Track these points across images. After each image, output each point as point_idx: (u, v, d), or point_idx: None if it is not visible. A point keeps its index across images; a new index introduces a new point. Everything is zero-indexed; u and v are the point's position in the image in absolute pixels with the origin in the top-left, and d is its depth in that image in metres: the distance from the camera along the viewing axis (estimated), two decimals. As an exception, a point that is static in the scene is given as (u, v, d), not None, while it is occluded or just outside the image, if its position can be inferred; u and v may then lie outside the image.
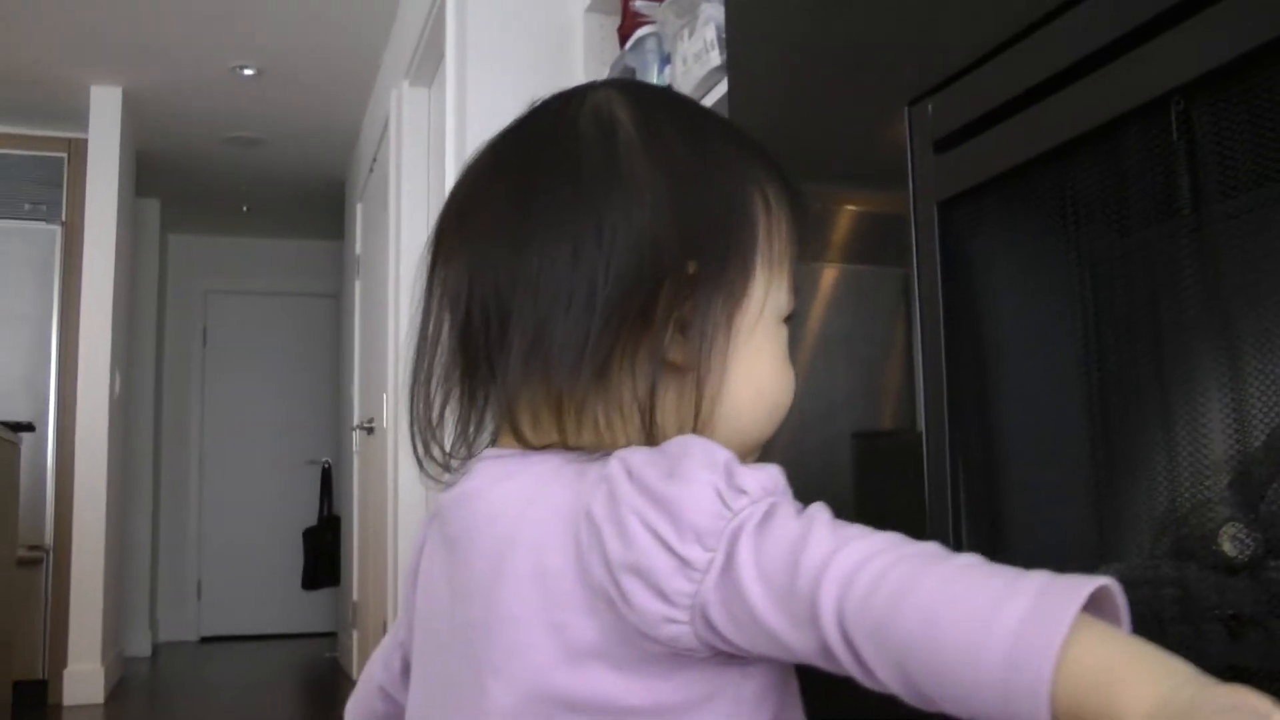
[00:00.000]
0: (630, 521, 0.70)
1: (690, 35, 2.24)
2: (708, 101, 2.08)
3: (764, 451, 0.86)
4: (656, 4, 2.51)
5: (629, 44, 2.55)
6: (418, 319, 0.86)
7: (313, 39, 5.16)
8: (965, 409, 1.10)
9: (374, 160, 5.65)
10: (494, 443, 0.85)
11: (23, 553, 5.09)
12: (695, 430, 0.78)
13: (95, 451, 5.65)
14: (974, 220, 1.10)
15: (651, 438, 0.77)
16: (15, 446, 4.77)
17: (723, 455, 0.72)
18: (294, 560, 7.78)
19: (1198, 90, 0.86)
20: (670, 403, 0.79)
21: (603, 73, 2.83)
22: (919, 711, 0.63)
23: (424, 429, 0.85)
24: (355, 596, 6.08)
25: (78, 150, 5.96)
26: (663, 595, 0.69)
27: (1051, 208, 1.05)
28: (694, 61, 2.20)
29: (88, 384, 5.68)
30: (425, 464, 0.86)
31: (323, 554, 7.53)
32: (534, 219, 0.80)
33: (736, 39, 1.64)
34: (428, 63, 4.29)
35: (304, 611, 8.17)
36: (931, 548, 0.65)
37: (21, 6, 4.79)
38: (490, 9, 3.16)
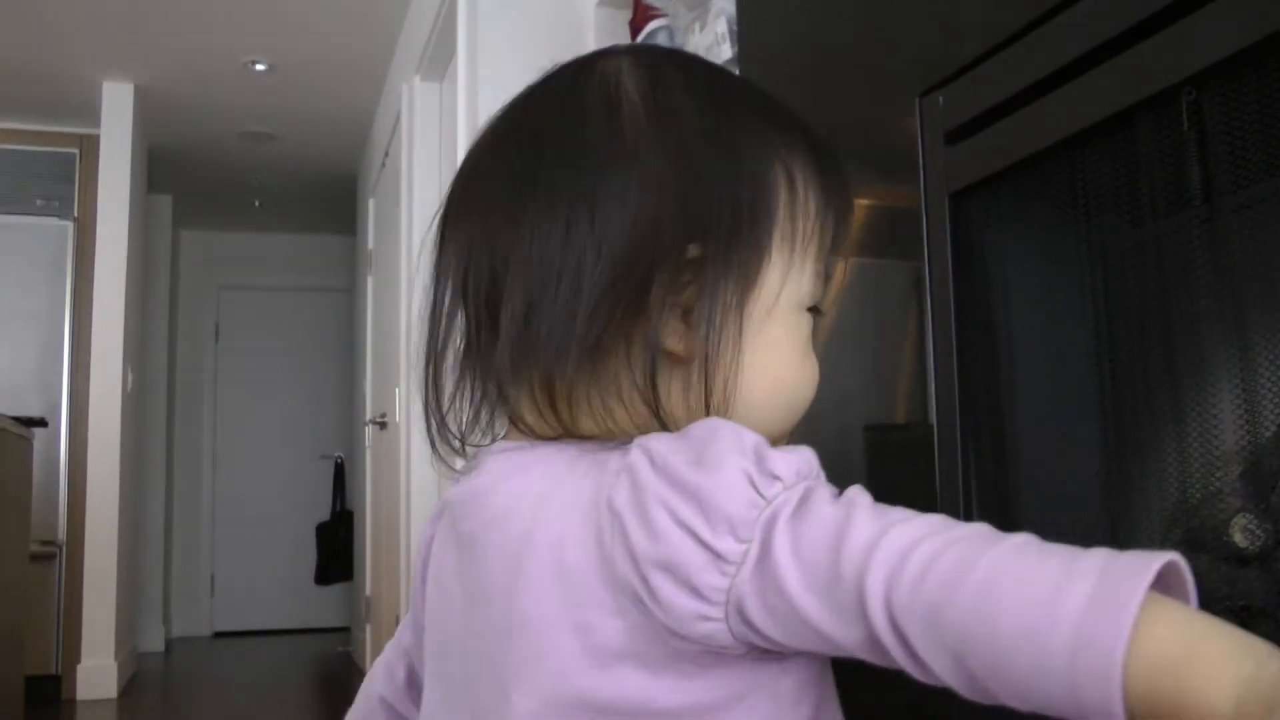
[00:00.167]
0: (656, 513, 0.65)
1: (701, 28, 2.24)
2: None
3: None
4: (667, -2, 2.52)
5: (640, 37, 2.56)
6: (429, 294, 0.82)
7: (325, 34, 5.17)
8: (976, 401, 1.10)
9: (386, 155, 5.66)
10: (506, 433, 0.81)
11: (36, 548, 5.11)
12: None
13: (108, 446, 5.66)
14: (985, 212, 1.10)
15: (665, 428, 0.73)
16: (28, 442, 4.78)
17: (751, 439, 0.68)
18: (307, 555, 7.80)
19: (1209, 80, 0.85)
20: (677, 393, 0.75)
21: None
22: (960, 702, 0.60)
23: (434, 411, 0.81)
24: (368, 591, 6.09)
25: (90, 146, 5.98)
26: (695, 591, 0.64)
27: (1063, 199, 1.05)
28: (705, 55, 2.20)
29: (100, 379, 5.69)
30: (438, 446, 0.81)
31: (335, 549, 7.55)
32: (530, 195, 0.75)
33: (748, 32, 1.63)
34: (439, 57, 4.29)
35: (317, 606, 8.19)
36: (982, 528, 0.61)
37: (33, 2, 4.80)
38: (502, 3, 3.16)
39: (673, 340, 0.74)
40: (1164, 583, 0.55)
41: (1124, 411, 1.03)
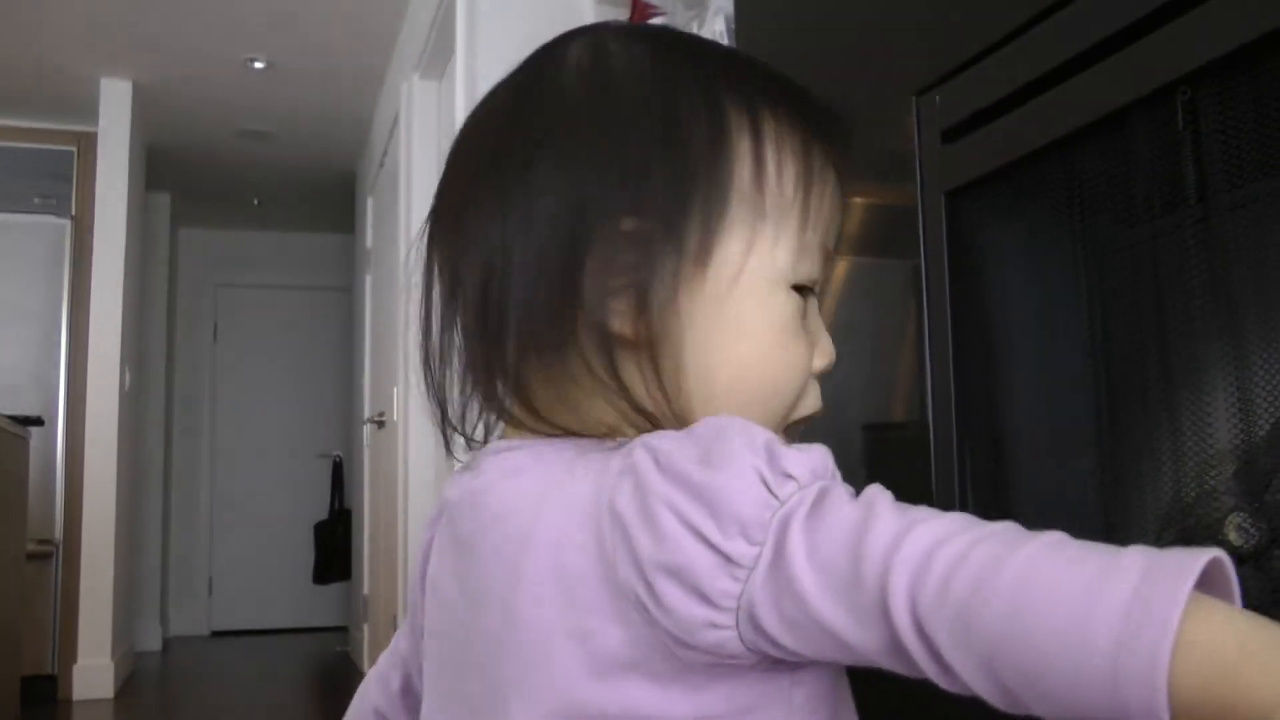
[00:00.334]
0: (662, 514, 0.61)
1: (700, 26, 2.24)
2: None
3: None
4: (665, -4, 2.52)
5: (638, 37, 2.55)
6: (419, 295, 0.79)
7: (324, 32, 5.17)
8: (973, 399, 1.10)
9: (384, 154, 5.66)
10: (504, 431, 0.77)
11: (32, 547, 5.11)
12: (670, 414, 0.69)
13: (105, 446, 5.65)
14: (982, 210, 1.10)
15: (652, 422, 0.69)
16: (24, 441, 4.78)
17: (762, 436, 0.63)
18: (305, 554, 7.79)
19: (1204, 80, 0.85)
20: (635, 381, 0.69)
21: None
22: (988, 713, 0.57)
23: (438, 399, 0.77)
24: (366, 590, 6.09)
25: (88, 144, 5.97)
26: (703, 597, 0.60)
27: (1058, 198, 1.05)
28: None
29: (97, 378, 5.68)
30: (448, 434, 0.78)
31: (333, 548, 7.54)
32: (483, 181, 0.73)
33: (746, 30, 1.64)
34: (438, 56, 4.29)
35: (314, 606, 8.19)
36: (1011, 526, 0.56)
37: None
38: (500, 1, 3.16)
39: (620, 323, 0.69)
40: (1206, 581, 0.51)
41: (1119, 410, 1.03)
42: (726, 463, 0.61)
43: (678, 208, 0.69)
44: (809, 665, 0.65)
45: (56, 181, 6.05)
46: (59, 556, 5.61)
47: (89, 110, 5.80)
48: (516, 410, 0.74)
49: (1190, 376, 0.94)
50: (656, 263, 0.69)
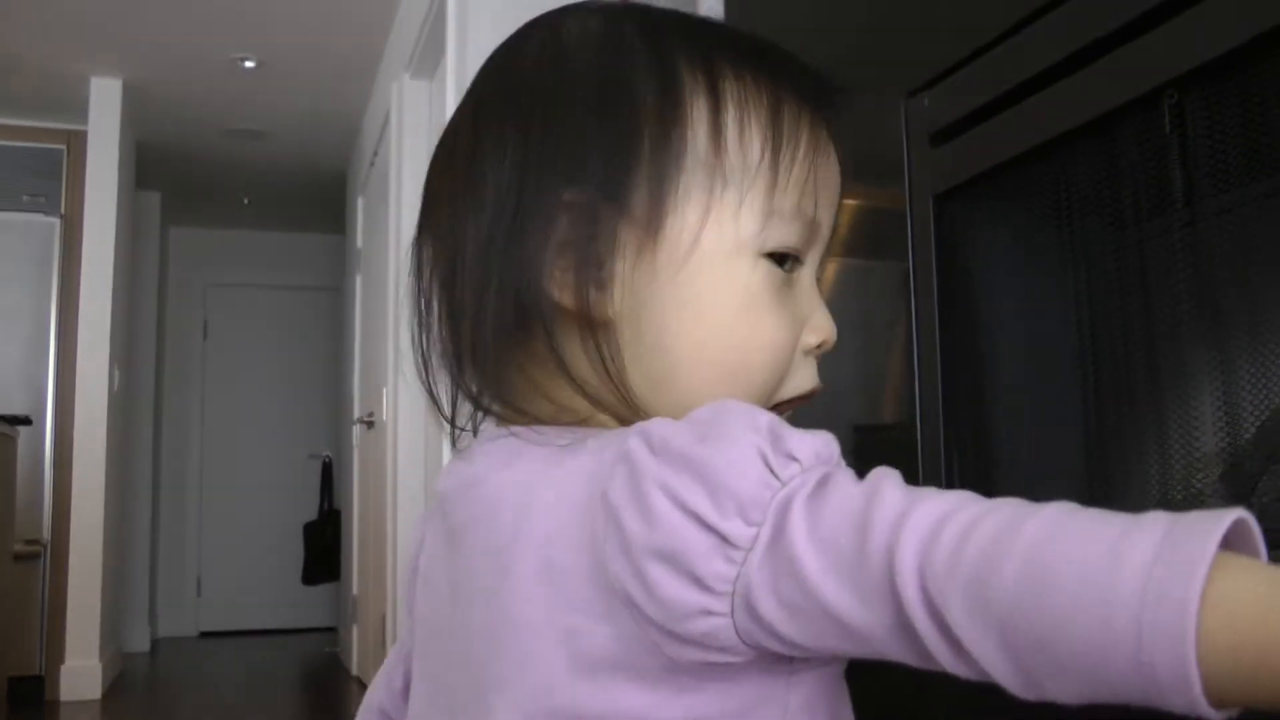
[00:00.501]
0: (654, 496, 0.57)
1: (689, 29, 2.25)
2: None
3: None
4: (656, -2, 2.52)
5: (628, 38, 2.55)
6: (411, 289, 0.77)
7: (314, 31, 5.16)
8: (960, 401, 1.10)
9: (375, 153, 5.65)
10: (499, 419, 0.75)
11: (20, 547, 5.10)
12: (619, 398, 0.67)
13: (94, 445, 5.64)
14: (970, 213, 1.11)
15: (630, 405, 0.67)
16: (12, 440, 4.77)
17: (765, 417, 0.60)
18: (294, 555, 7.78)
19: (1191, 84, 0.86)
20: (579, 359, 0.67)
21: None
22: (985, 712, 0.57)
23: (433, 394, 0.75)
24: (355, 591, 6.08)
25: (77, 142, 5.95)
26: (697, 581, 0.56)
27: (1046, 201, 1.05)
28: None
29: (86, 378, 5.66)
30: (454, 431, 0.76)
31: (323, 549, 7.53)
32: (444, 169, 0.73)
33: (734, 33, 1.64)
34: (429, 56, 4.29)
35: (304, 606, 8.17)
36: (1020, 500, 0.53)
37: (22, -1, 4.80)
38: (491, 1, 3.16)
39: (562, 295, 0.67)
40: (1231, 545, 0.48)
41: (1106, 412, 1.03)
42: (727, 439, 0.58)
43: (620, 175, 0.66)
44: (805, 668, 0.63)
45: (46, 180, 6.04)
46: (47, 557, 5.59)
47: (79, 109, 5.78)
48: (487, 401, 0.72)
49: (1177, 379, 0.95)
50: (602, 233, 0.66)
